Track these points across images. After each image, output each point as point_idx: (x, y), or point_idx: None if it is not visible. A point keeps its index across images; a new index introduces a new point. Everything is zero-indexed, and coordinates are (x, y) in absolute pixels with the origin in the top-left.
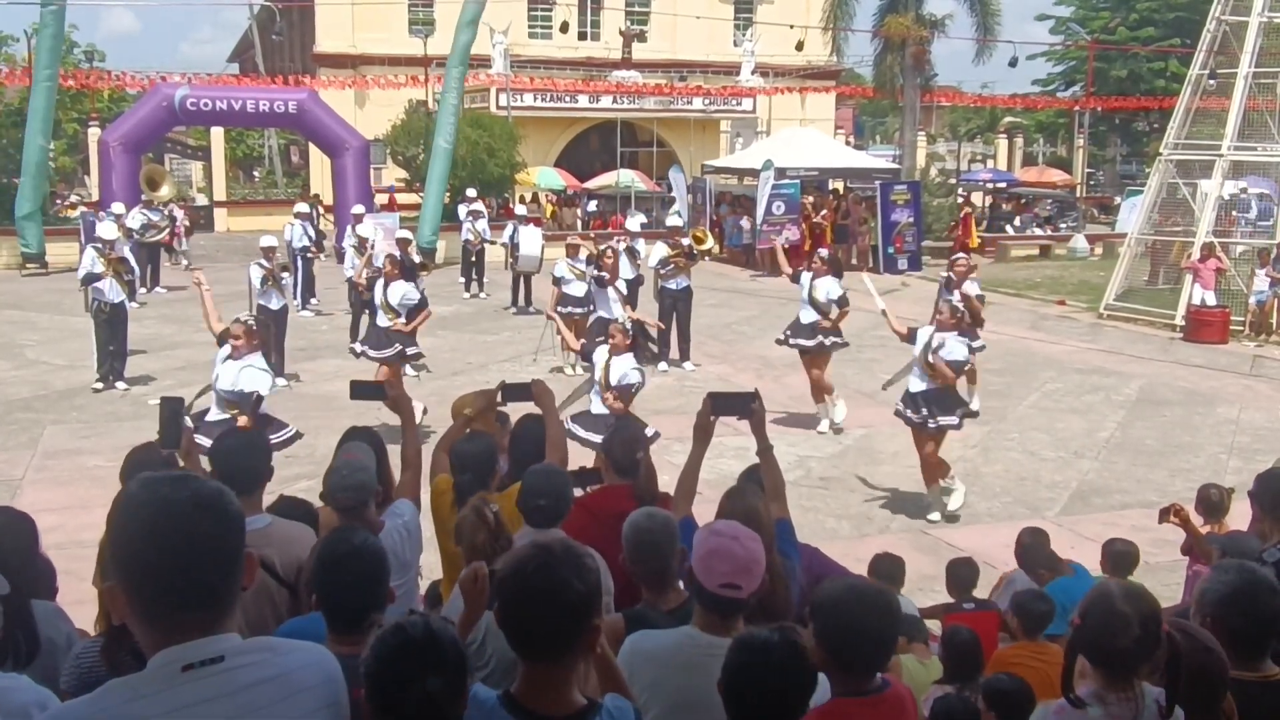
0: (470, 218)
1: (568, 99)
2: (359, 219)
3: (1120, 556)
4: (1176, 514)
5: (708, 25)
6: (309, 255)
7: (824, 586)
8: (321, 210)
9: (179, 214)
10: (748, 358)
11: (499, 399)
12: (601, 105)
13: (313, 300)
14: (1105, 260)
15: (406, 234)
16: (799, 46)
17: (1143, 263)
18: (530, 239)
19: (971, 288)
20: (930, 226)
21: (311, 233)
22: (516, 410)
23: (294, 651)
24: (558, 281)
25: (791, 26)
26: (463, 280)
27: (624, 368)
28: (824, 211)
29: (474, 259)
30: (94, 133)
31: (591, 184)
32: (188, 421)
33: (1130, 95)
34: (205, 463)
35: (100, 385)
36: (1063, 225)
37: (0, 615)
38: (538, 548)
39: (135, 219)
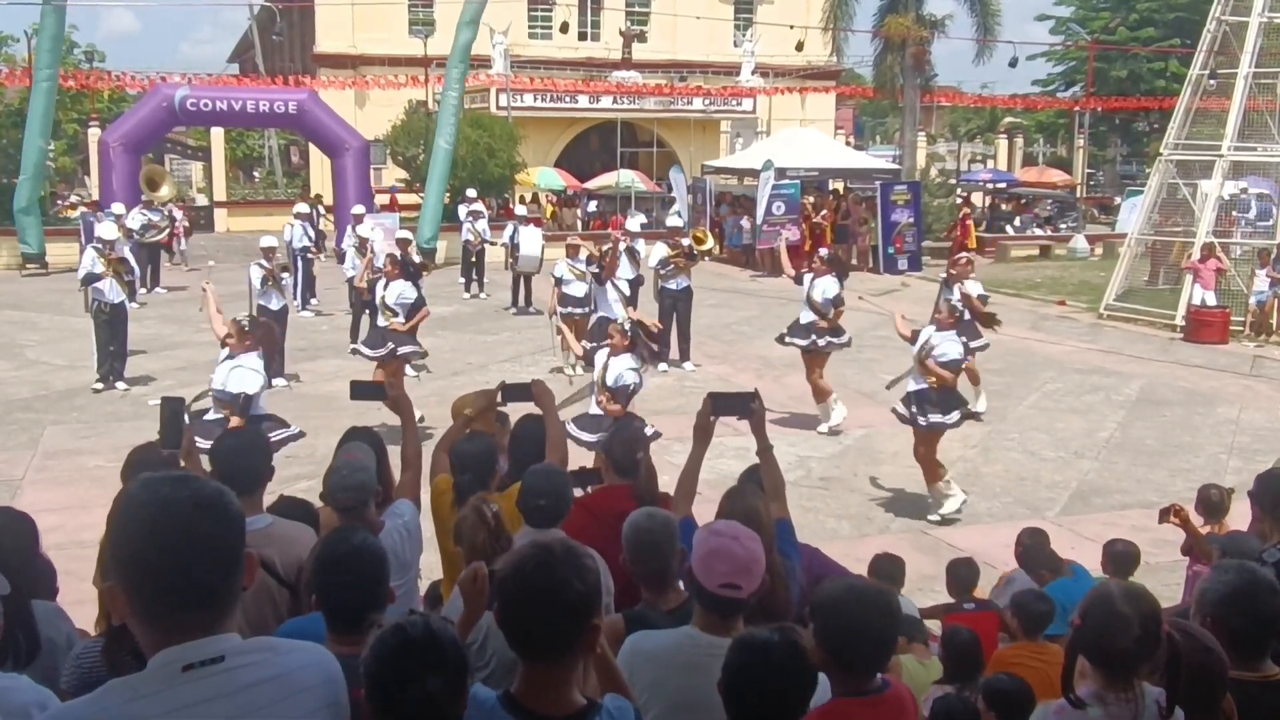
0: (470, 218)
1: (568, 99)
2: (359, 219)
3: (1121, 557)
4: (1176, 514)
5: (708, 25)
6: (309, 255)
7: (824, 586)
8: (323, 210)
9: (178, 214)
10: (748, 358)
11: (499, 399)
12: (601, 105)
13: (313, 300)
14: (1105, 260)
15: (406, 234)
16: (799, 47)
17: (1143, 263)
18: (530, 239)
19: (975, 287)
20: (930, 227)
21: (311, 233)
22: (516, 410)
23: (294, 651)
24: (558, 282)
25: (791, 27)
26: (463, 280)
27: (619, 369)
28: (824, 212)
29: (474, 259)
30: (94, 133)
31: (591, 184)
32: (187, 421)
33: (1130, 95)
34: (205, 463)
35: (100, 386)
36: (1063, 225)
37: (1, 615)
38: (537, 548)
39: (135, 219)
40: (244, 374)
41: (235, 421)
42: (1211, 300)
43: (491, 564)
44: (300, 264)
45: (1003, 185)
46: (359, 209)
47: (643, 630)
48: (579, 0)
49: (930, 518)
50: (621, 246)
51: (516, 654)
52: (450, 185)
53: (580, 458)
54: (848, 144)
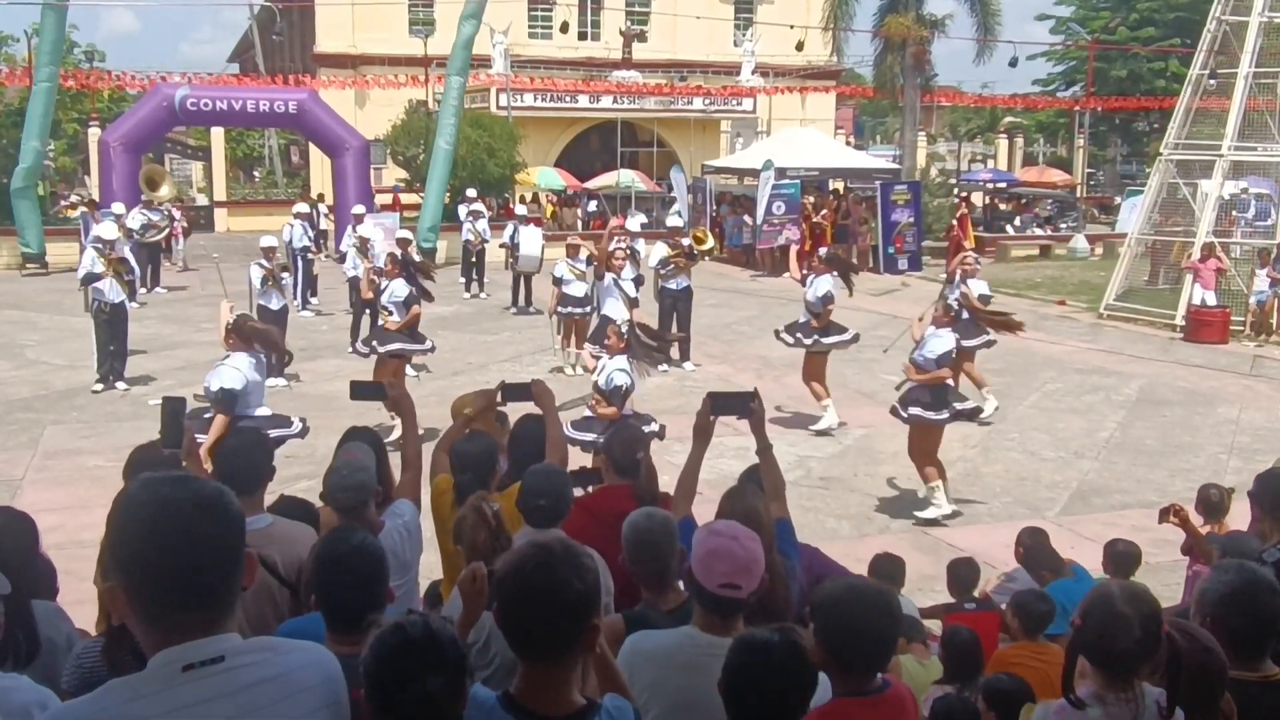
0: (470, 218)
1: (568, 99)
2: (359, 219)
3: (1122, 557)
4: (1176, 514)
5: (708, 25)
6: (309, 255)
7: (824, 586)
8: (325, 210)
9: (176, 215)
10: (748, 358)
11: (499, 399)
12: (602, 105)
13: (313, 300)
14: (1105, 260)
15: (406, 234)
16: (799, 46)
17: (1143, 263)
18: (530, 239)
19: (979, 287)
20: (930, 226)
21: (311, 233)
22: (516, 410)
23: (294, 651)
24: (558, 282)
25: (791, 26)
26: (463, 280)
27: (611, 370)
28: (824, 211)
29: (474, 259)
30: (94, 133)
31: (592, 184)
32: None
33: (1130, 95)
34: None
35: (100, 386)
36: (1063, 225)
37: (1, 615)
38: (537, 547)
39: (135, 219)
40: (225, 371)
41: (219, 418)
42: (1211, 300)
43: (491, 564)
44: (300, 264)
45: (1003, 185)
46: (359, 209)
47: (643, 630)
48: (579, 0)
49: (916, 513)
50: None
51: (516, 654)
52: (450, 185)
53: (579, 458)
54: (848, 144)
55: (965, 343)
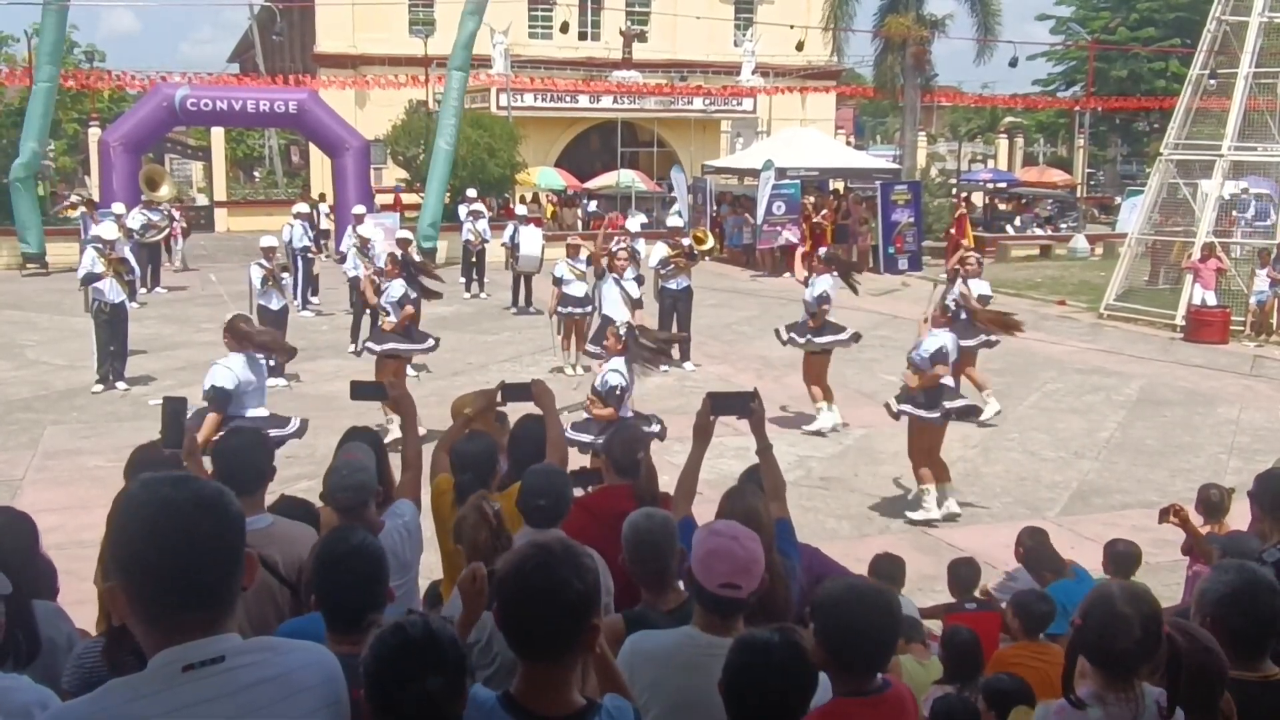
0: (470, 218)
1: (568, 99)
2: (360, 219)
3: (1122, 557)
4: (1176, 514)
5: (708, 25)
6: (309, 255)
7: (824, 586)
8: (326, 210)
9: (176, 215)
10: (748, 358)
11: (499, 399)
12: (602, 105)
13: (313, 300)
14: (1105, 260)
15: (406, 234)
16: (799, 46)
17: (1143, 263)
18: (531, 239)
19: (980, 287)
20: (930, 226)
21: (310, 233)
22: (516, 410)
23: (294, 651)
24: (558, 282)
25: (792, 26)
26: (463, 280)
27: (606, 370)
28: (824, 211)
29: (474, 259)
30: (94, 133)
31: (592, 184)
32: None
33: (1130, 95)
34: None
35: (100, 386)
36: (1063, 225)
37: (1, 615)
38: (537, 547)
39: (135, 219)
40: (217, 370)
41: (210, 416)
42: (1212, 300)
43: (492, 563)
44: (300, 264)
45: (1003, 185)
46: (360, 209)
47: (643, 630)
48: (579, 0)
49: (908, 513)
50: (618, 244)
51: (516, 654)
52: (450, 185)
53: (578, 460)
54: (848, 144)
55: (964, 342)
